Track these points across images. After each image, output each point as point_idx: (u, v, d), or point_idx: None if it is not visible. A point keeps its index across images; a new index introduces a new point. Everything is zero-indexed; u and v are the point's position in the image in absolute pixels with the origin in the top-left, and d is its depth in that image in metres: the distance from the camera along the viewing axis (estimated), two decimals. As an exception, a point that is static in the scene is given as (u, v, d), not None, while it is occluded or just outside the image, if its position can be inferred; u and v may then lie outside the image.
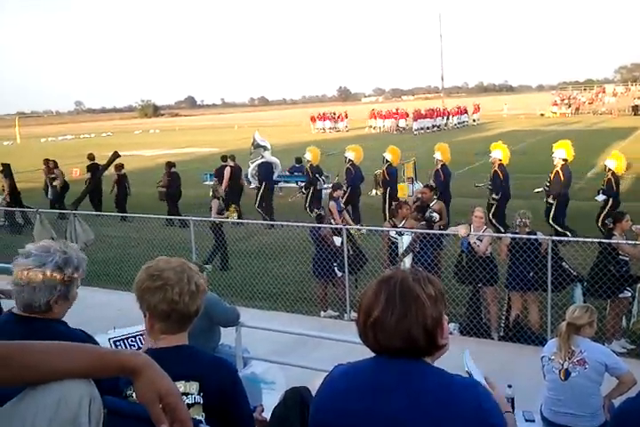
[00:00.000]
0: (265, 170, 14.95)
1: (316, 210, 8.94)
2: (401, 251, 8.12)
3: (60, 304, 2.40)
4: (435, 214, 9.30)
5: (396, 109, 48.39)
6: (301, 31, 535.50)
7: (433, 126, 43.63)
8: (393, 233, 8.43)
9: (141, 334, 3.62)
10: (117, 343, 3.61)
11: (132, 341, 3.56)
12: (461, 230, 7.55)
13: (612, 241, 6.98)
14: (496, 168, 12.41)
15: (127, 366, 1.42)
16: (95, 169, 15.74)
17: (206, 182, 16.86)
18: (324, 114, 49.83)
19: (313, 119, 49.26)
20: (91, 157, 16.29)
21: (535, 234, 7.27)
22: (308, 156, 14.81)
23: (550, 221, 11.33)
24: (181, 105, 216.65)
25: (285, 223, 10.32)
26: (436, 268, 8.22)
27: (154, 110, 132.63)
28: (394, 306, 1.63)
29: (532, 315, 7.24)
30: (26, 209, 13.37)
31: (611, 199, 11.24)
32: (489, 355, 6.64)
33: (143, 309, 2.14)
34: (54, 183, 15.91)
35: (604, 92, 70.43)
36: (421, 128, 42.22)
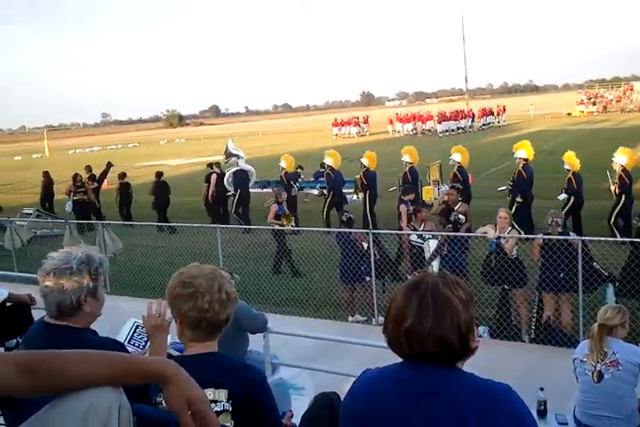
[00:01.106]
0: (240, 177, 15.41)
1: (346, 213, 8.91)
2: (427, 255, 8.08)
3: (89, 303, 2.41)
4: (461, 216, 9.25)
5: (419, 112, 48.31)
6: (323, 37, 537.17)
7: (458, 128, 43.42)
8: (414, 237, 8.41)
9: (180, 354, 3.64)
10: (137, 329, 3.58)
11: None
12: (490, 231, 7.49)
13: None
14: (520, 168, 12.41)
15: (156, 373, 1.43)
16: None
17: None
18: (342, 119, 49.83)
19: (335, 124, 49.27)
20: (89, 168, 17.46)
21: (568, 234, 7.17)
22: (282, 163, 15.28)
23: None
24: (206, 114, 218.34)
25: (314, 229, 10.34)
26: (465, 270, 8.17)
27: (179, 120, 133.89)
28: (427, 312, 1.61)
29: (564, 316, 7.14)
30: (55, 220, 13.60)
31: (572, 198, 11.57)
32: (520, 358, 6.58)
33: (174, 314, 2.16)
34: (76, 197, 16.17)
35: (631, 89, 69.34)
36: (446, 130, 42.05)
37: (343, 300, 8.58)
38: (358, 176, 14.50)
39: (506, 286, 7.45)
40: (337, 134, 48.22)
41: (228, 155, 16.02)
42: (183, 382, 1.44)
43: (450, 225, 8.71)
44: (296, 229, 11.94)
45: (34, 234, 12.04)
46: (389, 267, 8.41)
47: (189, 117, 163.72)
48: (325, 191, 14.66)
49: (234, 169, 15.63)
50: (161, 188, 15.54)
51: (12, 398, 1.92)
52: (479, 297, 7.27)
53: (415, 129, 46.08)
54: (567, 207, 11.52)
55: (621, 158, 11.67)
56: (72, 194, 16.18)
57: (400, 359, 1.71)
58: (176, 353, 2.93)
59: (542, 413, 4.27)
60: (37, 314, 2.68)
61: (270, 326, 5.13)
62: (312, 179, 18.20)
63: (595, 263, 7.03)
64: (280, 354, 5.56)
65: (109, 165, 17.23)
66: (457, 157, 13.49)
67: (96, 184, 16.89)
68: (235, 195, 15.05)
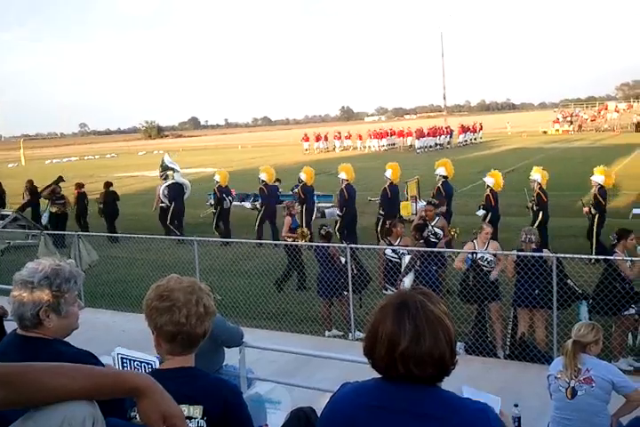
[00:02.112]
0: (174, 190, 15.90)
1: (324, 227, 8.90)
2: (403, 268, 8.13)
3: (52, 319, 2.36)
4: (438, 231, 9.33)
5: (391, 129, 48.98)
6: (303, 51, 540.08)
7: (436, 145, 43.83)
8: (389, 252, 8.44)
9: (147, 363, 3.60)
10: (124, 360, 3.58)
11: (137, 364, 3.53)
12: (457, 263, 7.66)
13: (615, 258, 6.96)
14: (439, 185, 13.20)
15: (131, 386, 1.42)
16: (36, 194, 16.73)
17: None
18: (318, 134, 50.20)
19: (306, 139, 49.48)
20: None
21: (541, 251, 7.25)
22: (217, 177, 15.76)
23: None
24: (185, 126, 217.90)
25: (295, 243, 10.30)
26: (441, 286, 8.22)
27: (158, 132, 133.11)
28: (423, 333, 1.58)
29: (538, 332, 7.19)
30: (30, 231, 13.40)
31: (489, 214, 11.92)
32: (494, 374, 6.61)
33: (151, 327, 2.13)
34: (53, 209, 15.83)
35: (606, 109, 70.66)
36: (424, 146, 42.42)
37: (320, 314, 8.56)
38: (296, 190, 14.99)
39: (482, 303, 7.50)
40: (315, 148, 48.43)
41: (164, 168, 16.59)
42: (158, 396, 1.44)
43: (422, 240, 8.76)
44: (270, 242, 12.04)
45: (7, 244, 11.85)
46: (367, 281, 8.42)
47: (168, 129, 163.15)
48: (258, 205, 15.14)
49: (170, 182, 16.19)
50: (110, 198, 15.99)
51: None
52: (455, 313, 7.30)
53: (389, 145, 46.60)
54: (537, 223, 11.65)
55: (489, 180, 12.34)
56: (49, 205, 15.91)
57: (377, 374, 1.70)
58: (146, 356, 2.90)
59: (516, 429, 4.28)
60: (12, 325, 2.64)
61: (246, 340, 5.10)
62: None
63: (569, 280, 7.10)
64: (256, 369, 5.52)
65: (60, 179, 16.96)
66: (441, 170, 13.55)
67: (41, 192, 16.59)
68: (170, 207, 15.61)
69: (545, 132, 55.09)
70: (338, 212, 13.86)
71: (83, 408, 1.38)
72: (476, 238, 7.85)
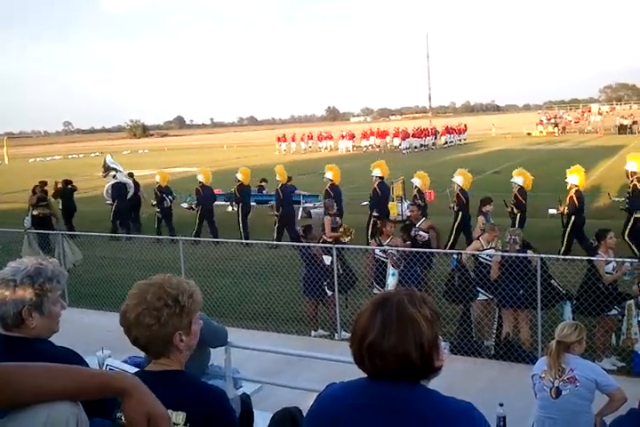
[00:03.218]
0: (117, 190, 16.59)
1: (299, 228, 8.90)
2: (387, 275, 8.14)
3: (34, 318, 2.33)
4: (422, 233, 9.36)
5: (369, 129, 49.61)
6: (290, 51, 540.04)
7: (421, 146, 44.04)
8: (378, 251, 8.45)
9: (142, 369, 3.59)
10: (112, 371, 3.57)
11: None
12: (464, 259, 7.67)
13: (599, 259, 7.01)
14: (375, 186, 13.59)
15: (116, 386, 1.41)
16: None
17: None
18: (287, 134, 50.55)
19: (279, 139, 49.51)
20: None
21: (525, 252, 7.30)
22: (157, 178, 16.36)
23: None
24: (170, 125, 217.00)
25: (279, 243, 10.31)
26: (426, 286, 8.25)
27: (143, 130, 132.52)
28: (390, 329, 1.61)
29: (522, 332, 7.24)
30: (13, 230, 13.25)
31: (460, 213, 12.43)
32: (480, 373, 6.64)
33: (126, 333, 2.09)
34: (36, 212, 15.23)
35: (589, 111, 71.41)
36: (409, 147, 42.62)
37: (306, 314, 8.56)
38: (233, 189, 15.31)
39: (468, 303, 7.54)
40: (285, 150, 48.42)
41: (107, 168, 17.23)
42: (144, 396, 1.43)
43: (409, 241, 8.80)
44: (251, 242, 12.06)
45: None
46: (353, 282, 8.43)
47: (154, 128, 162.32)
48: (194, 205, 15.64)
49: (113, 182, 16.83)
50: (67, 195, 16.45)
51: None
52: (440, 313, 7.32)
53: (372, 145, 47.01)
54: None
55: (459, 178, 12.68)
56: (32, 208, 15.32)
57: (363, 375, 1.71)
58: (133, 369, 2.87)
59: (501, 429, 4.30)
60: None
61: (232, 340, 5.09)
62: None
63: (553, 281, 7.16)
64: (242, 369, 5.50)
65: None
66: (377, 171, 13.93)
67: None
68: (112, 205, 16.34)
69: (529, 134, 55.47)
70: (375, 213, 13.63)
71: (66, 409, 1.37)
72: (481, 236, 7.92)
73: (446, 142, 46.52)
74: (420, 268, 8.22)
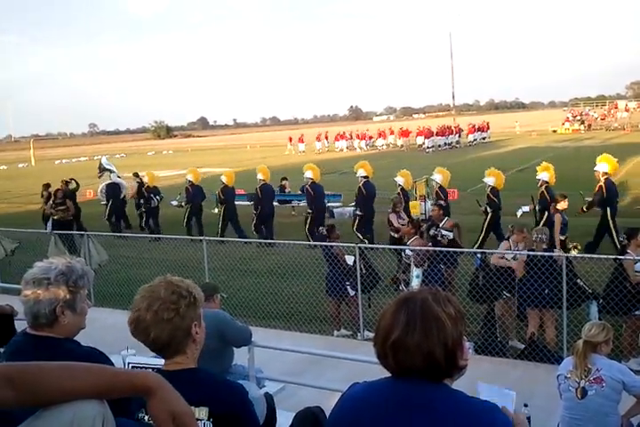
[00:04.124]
0: (112, 189, 17.38)
1: (321, 228, 8.91)
2: (411, 277, 8.13)
3: (66, 316, 2.37)
4: (444, 232, 9.30)
5: (390, 128, 49.99)
6: (312, 51, 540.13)
7: (445, 144, 43.77)
8: (407, 251, 8.44)
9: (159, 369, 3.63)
10: (134, 369, 3.59)
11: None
12: (494, 259, 7.58)
13: (627, 258, 6.92)
14: (360, 185, 13.92)
15: (141, 385, 1.42)
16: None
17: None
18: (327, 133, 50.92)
19: (301, 140, 49.77)
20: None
21: (552, 251, 7.22)
22: (145, 178, 17.05)
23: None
24: (194, 126, 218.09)
25: (299, 242, 10.33)
26: (450, 286, 8.20)
27: (167, 132, 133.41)
28: (414, 327, 1.62)
29: (548, 332, 7.17)
30: (39, 231, 13.42)
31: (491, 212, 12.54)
32: (504, 374, 6.58)
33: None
34: (56, 216, 15.16)
35: (616, 107, 70.27)
36: (433, 146, 42.40)
37: (329, 314, 8.56)
38: (217, 191, 15.73)
39: (492, 302, 7.48)
40: (303, 151, 48.53)
41: (102, 169, 17.97)
42: (168, 394, 1.44)
43: (430, 243, 8.76)
44: (273, 242, 12.15)
45: (18, 244, 11.88)
46: (376, 281, 8.41)
47: (177, 129, 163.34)
48: (184, 204, 16.27)
49: (107, 182, 17.65)
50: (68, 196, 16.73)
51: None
52: (464, 312, 7.28)
53: (389, 144, 46.91)
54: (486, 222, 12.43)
55: (489, 179, 12.80)
56: (52, 213, 15.30)
57: (388, 374, 1.71)
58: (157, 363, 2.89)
59: (526, 429, 4.26)
60: (21, 325, 2.65)
61: (255, 339, 5.11)
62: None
63: (578, 280, 7.07)
64: (265, 368, 5.53)
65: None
66: (361, 171, 14.22)
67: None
68: (107, 205, 17.10)
69: (555, 131, 54.85)
70: (358, 211, 14.04)
71: (92, 407, 1.38)
72: (510, 237, 7.85)
73: (470, 141, 46.18)
74: (445, 267, 8.18)
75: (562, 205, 10.39)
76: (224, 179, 15.70)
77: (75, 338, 2.48)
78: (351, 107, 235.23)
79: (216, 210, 16.29)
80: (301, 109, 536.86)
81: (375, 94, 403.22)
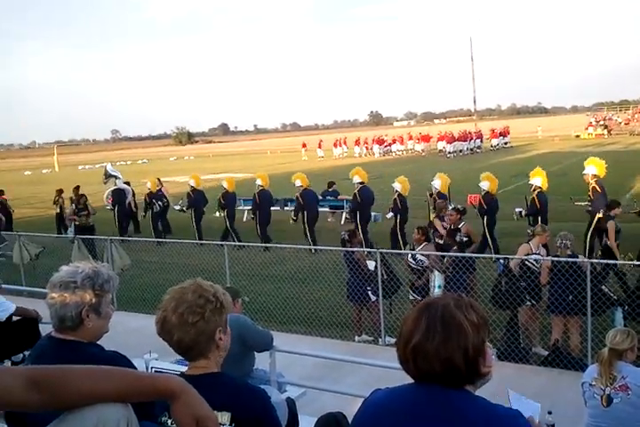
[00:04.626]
0: (117, 195, 17.76)
1: (343, 233, 8.90)
2: (432, 287, 8.09)
3: (91, 319, 2.39)
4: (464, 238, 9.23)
5: (409, 133, 50.28)
6: (333, 56, 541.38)
7: (467, 149, 43.55)
8: (410, 259, 8.44)
9: (182, 373, 3.65)
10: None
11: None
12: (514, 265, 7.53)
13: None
14: (356, 191, 14.16)
15: (164, 389, 1.43)
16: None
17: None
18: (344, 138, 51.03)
19: (319, 146, 49.85)
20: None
21: (577, 257, 7.13)
22: (148, 184, 17.63)
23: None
24: (215, 132, 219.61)
25: (319, 247, 10.34)
26: (472, 292, 8.13)
27: (188, 138, 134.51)
28: (434, 332, 1.61)
29: (572, 339, 7.08)
30: (61, 235, 13.59)
31: (398, 216, 13.43)
32: (528, 380, 6.51)
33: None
34: (78, 222, 15.25)
35: (639, 112, 69.39)
36: (454, 151, 42.21)
37: (350, 319, 8.54)
38: (218, 196, 15.96)
39: (515, 308, 7.41)
40: (322, 156, 48.51)
41: (108, 176, 18.37)
42: (192, 399, 1.44)
43: (455, 247, 8.70)
44: (296, 246, 12.17)
45: (42, 249, 12.03)
46: (397, 287, 8.37)
47: (199, 135, 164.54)
48: (185, 208, 16.52)
49: (113, 188, 18.03)
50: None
51: (20, 414, 1.92)
52: (487, 319, 7.21)
53: (404, 150, 46.92)
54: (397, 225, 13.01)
55: (397, 185, 13.42)
56: (75, 218, 15.45)
57: (409, 380, 1.70)
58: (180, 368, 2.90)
59: (550, 437, 4.21)
60: (46, 328, 2.68)
61: (276, 344, 5.11)
62: (320, 197, 18.52)
63: (603, 287, 6.98)
64: (286, 373, 5.52)
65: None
66: (356, 178, 14.41)
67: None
68: (113, 210, 17.51)
69: (578, 136, 54.30)
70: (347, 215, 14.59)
71: (117, 411, 1.39)
72: (530, 240, 7.78)
73: (493, 146, 45.90)
74: (467, 273, 8.13)
75: (615, 211, 10.20)
76: (225, 184, 16.03)
77: (98, 342, 2.50)
78: (371, 112, 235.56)
79: (217, 214, 16.57)
80: (322, 115, 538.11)
81: (396, 99, 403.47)
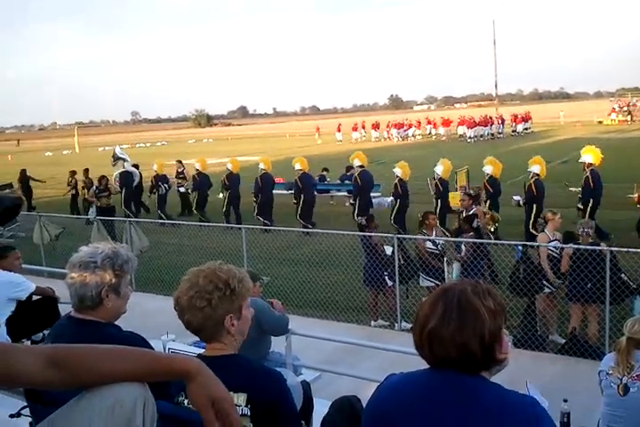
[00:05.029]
0: (125, 178, 17.57)
1: (360, 218, 8.88)
2: (448, 277, 8.04)
3: (111, 299, 2.42)
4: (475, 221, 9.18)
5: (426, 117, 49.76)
6: (352, 39, 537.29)
7: (488, 134, 43.10)
8: (429, 244, 8.36)
9: (199, 354, 3.69)
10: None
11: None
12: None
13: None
14: (356, 175, 14.39)
15: (180, 369, 1.44)
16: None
17: (279, 191, 17.75)
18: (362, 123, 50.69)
19: (338, 129, 49.04)
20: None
21: (598, 244, 7.06)
22: (154, 166, 18.23)
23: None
24: (234, 115, 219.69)
25: (335, 232, 10.31)
26: (490, 278, 8.10)
27: (207, 120, 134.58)
28: (450, 318, 1.61)
29: (590, 327, 7.05)
30: (82, 216, 13.70)
31: (398, 200, 13.46)
32: (544, 368, 6.50)
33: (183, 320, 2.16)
34: (100, 203, 15.59)
35: (665, 98, 68.23)
36: (475, 136, 41.81)
37: (367, 304, 8.55)
38: (223, 177, 16.27)
39: (533, 296, 7.37)
40: (340, 140, 47.97)
41: (116, 158, 18.36)
42: (208, 379, 1.45)
43: (472, 233, 8.64)
44: (320, 231, 12.20)
45: (62, 229, 12.15)
46: (414, 272, 8.35)
47: (218, 117, 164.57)
48: (190, 190, 17.24)
49: (121, 170, 17.88)
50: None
51: (40, 392, 1.95)
52: (505, 306, 7.18)
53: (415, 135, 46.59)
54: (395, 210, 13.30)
55: (488, 168, 12.98)
56: (96, 199, 15.78)
57: (424, 366, 1.70)
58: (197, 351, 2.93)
59: (565, 425, 4.20)
60: (65, 309, 2.71)
61: (292, 327, 5.14)
62: (338, 181, 18.54)
63: (622, 275, 6.92)
64: (302, 356, 5.56)
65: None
66: (356, 161, 14.73)
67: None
68: (121, 193, 17.32)
69: (600, 122, 53.50)
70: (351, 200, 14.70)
71: (134, 390, 1.40)
72: (545, 228, 7.71)
73: (517, 131, 45.35)
74: (485, 260, 8.09)
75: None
76: (229, 166, 16.30)
77: (116, 323, 2.53)
78: (391, 96, 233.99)
79: (221, 195, 16.73)
80: (341, 98, 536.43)
81: (416, 83, 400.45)
